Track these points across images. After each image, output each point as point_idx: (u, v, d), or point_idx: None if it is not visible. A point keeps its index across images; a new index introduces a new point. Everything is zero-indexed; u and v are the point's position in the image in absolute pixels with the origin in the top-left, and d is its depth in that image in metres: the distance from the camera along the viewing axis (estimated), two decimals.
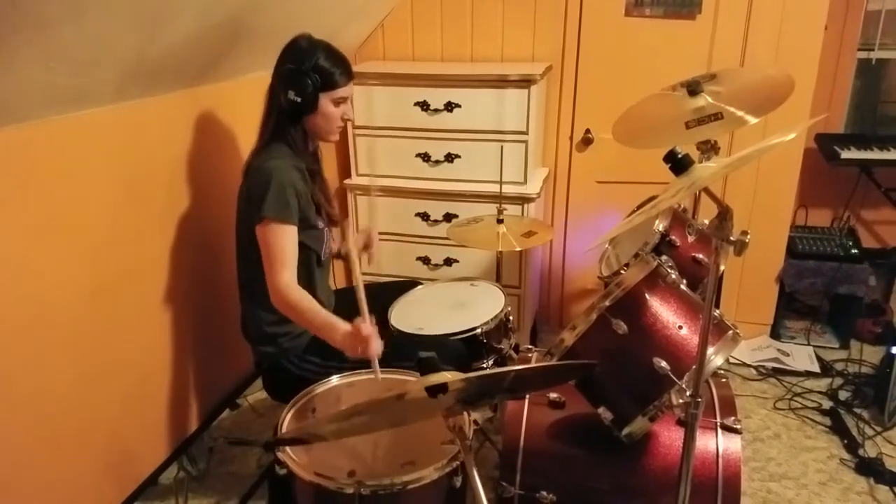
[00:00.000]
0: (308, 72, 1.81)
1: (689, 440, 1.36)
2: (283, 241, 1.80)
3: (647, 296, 1.49)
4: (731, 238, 1.21)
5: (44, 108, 1.59)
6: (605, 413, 1.51)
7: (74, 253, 1.75)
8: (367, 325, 1.65)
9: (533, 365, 1.22)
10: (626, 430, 1.49)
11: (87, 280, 1.80)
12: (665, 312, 1.48)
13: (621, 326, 1.46)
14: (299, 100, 1.82)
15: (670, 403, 1.40)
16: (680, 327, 1.46)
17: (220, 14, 1.91)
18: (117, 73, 1.74)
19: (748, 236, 1.22)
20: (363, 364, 1.71)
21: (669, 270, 1.52)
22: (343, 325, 1.71)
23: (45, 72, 1.49)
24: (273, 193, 1.78)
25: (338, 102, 1.89)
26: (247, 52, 2.20)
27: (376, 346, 1.65)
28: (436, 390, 1.11)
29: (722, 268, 1.96)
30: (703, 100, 1.91)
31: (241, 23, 2.04)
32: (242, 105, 2.27)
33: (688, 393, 1.35)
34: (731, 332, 1.47)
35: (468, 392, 1.23)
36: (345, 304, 2.01)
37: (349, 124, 2.74)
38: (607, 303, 1.48)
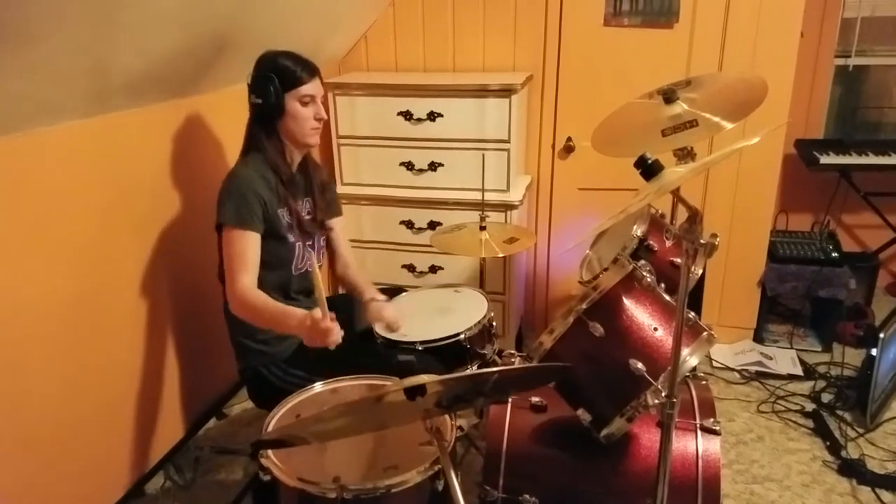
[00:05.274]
0: (268, 74, 1.83)
1: (665, 440, 1.37)
2: (240, 247, 1.79)
3: (622, 299, 1.51)
4: (701, 241, 1.24)
5: (25, 120, 1.60)
6: (583, 415, 1.53)
7: (57, 262, 1.77)
8: (327, 319, 1.60)
9: (501, 368, 1.23)
10: (604, 431, 1.51)
11: (69, 289, 1.81)
12: (640, 315, 1.50)
13: (598, 329, 1.48)
14: (261, 101, 1.84)
15: (647, 404, 1.42)
16: (655, 329, 1.48)
17: (202, 29, 1.93)
18: (100, 85, 1.76)
19: (717, 239, 1.25)
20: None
21: (645, 274, 1.54)
22: (297, 312, 1.70)
23: (27, 84, 1.50)
24: (232, 199, 1.79)
25: (305, 102, 1.87)
26: (230, 64, 2.22)
27: (336, 337, 1.62)
28: (414, 392, 1.13)
29: (699, 271, 2.00)
30: (679, 107, 1.95)
31: (224, 37, 2.07)
32: (226, 116, 2.30)
33: (664, 393, 1.37)
34: (705, 333, 1.49)
35: (447, 395, 1.25)
36: (343, 311, 2.02)
37: (333, 133, 2.77)
38: (584, 306, 1.50)
